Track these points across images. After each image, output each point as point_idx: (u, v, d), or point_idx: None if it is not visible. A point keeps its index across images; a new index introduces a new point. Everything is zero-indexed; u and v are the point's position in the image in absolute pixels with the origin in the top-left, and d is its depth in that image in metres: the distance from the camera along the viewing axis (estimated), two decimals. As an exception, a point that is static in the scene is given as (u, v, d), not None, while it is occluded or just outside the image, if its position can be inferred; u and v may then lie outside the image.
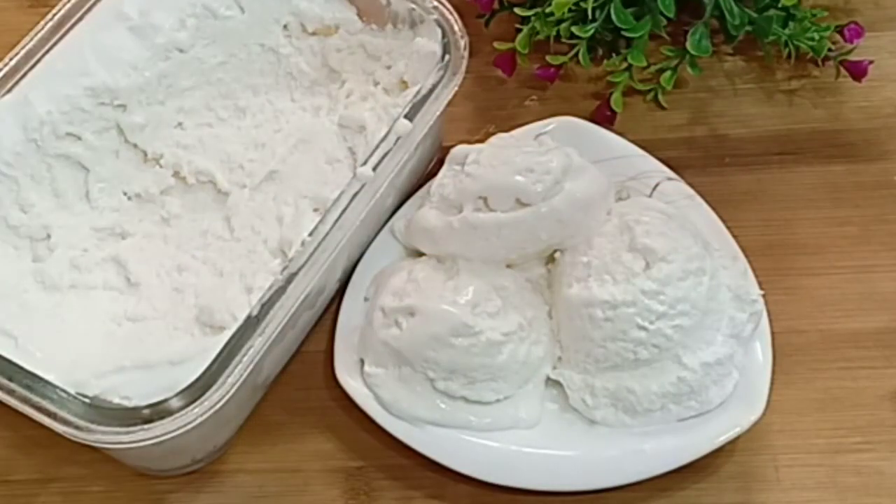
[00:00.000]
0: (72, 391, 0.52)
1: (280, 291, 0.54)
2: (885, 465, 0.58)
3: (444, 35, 0.62)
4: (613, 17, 0.68)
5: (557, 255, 0.60)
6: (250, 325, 0.53)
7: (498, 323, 0.57)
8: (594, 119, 0.69)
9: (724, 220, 0.63)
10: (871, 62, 0.70)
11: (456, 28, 0.62)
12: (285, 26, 0.68)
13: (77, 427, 0.51)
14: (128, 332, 0.59)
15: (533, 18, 0.69)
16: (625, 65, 0.70)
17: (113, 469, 0.59)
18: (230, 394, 0.52)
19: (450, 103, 0.60)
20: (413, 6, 0.64)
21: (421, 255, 0.62)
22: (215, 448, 0.59)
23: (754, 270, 0.60)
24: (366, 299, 0.62)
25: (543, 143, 0.62)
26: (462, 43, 0.62)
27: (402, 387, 0.58)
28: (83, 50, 0.62)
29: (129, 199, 0.65)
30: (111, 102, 0.63)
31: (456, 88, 0.60)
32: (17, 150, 0.60)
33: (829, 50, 0.70)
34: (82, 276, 0.61)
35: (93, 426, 0.51)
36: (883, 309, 0.63)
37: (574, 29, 0.68)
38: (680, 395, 0.56)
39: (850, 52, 0.71)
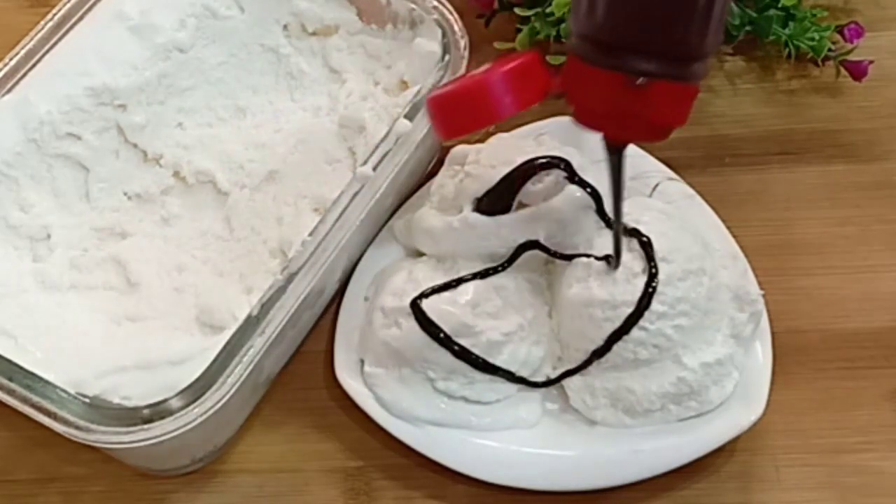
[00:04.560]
0: (72, 391, 0.52)
1: (280, 291, 0.54)
2: (885, 465, 0.58)
3: (444, 35, 0.62)
4: (613, 17, 0.68)
5: (559, 253, 0.60)
6: (250, 325, 0.53)
7: (498, 323, 0.57)
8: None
9: (724, 220, 0.63)
10: (871, 62, 0.70)
11: (456, 28, 0.62)
12: (285, 26, 0.68)
13: (77, 427, 0.51)
14: (128, 332, 0.59)
15: (533, 18, 0.69)
16: (625, 65, 0.70)
17: (113, 469, 0.59)
18: (230, 394, 0.52)
19: (450, 103, 0.60)
20: (413, 6, 0.64)
21: (421, 255, 0.62)
22: (215, 448, 0.59)
23: (754, 270, 0.60)
24: (366, 299, 0.62)
25: (543, 143, 0.62)
26: (462, 43, 0.62)
27: (402, 387, 0.58)
28: (83, 50, 0.62)
29: (129, 199, 0.65)
30: (111, 102, 0.63)
31: (456, 88, 0.60)
32: (17, 150, 0.61)
33: (829, 50, 0.70)
34: (82, 276, 0.61)
35: (93, 426, 0.51)
36: (883, 309, 0.63)
37: (574, 29, 0.68)
38: (680, 396, 0.56)
39: (850, 52, 0.71)
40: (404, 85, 0.66)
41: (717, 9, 0.45)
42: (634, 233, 0.57)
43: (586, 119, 0.48)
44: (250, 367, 0.53)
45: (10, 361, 0.53)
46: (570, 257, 0.58)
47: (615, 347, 0.56)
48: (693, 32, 0.45)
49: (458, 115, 0.49)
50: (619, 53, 0.45)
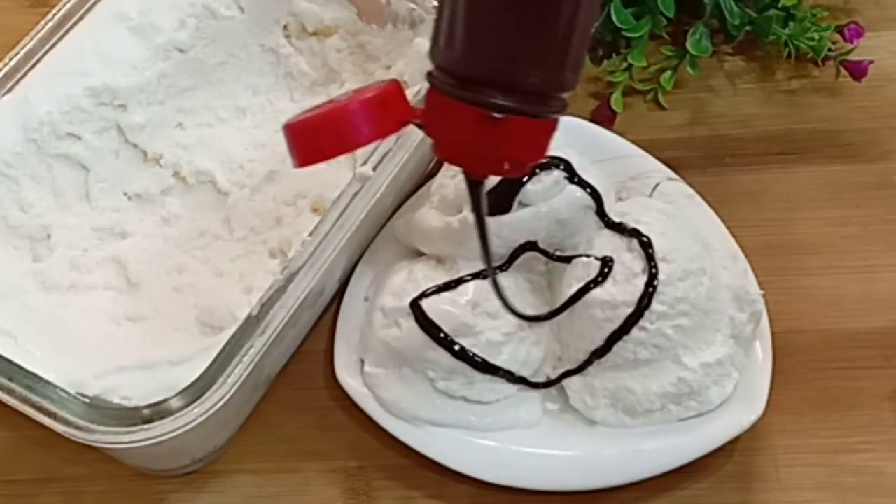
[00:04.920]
0: (72, 391, 0.52)
1: (280, 291, 0.54)
2: (885, 465, 0.58)
3: (444, 35, 0.62)
4: (613, 17, 0.68)
5: (558, 254, 0.60)
6: (250, 325, 0.53)
7: (498, 323, 0.57)
8: (594, 119, 0.69)
9: (724, 220, 0.63)
10: (871, 62, 0.70)
11: (456, 28, 0.62)
12: (285, 26, 0.68)
13: (77, 427, 0.51)
14: (128, 332, 0.59)
15: (532, 18, 0.69)
16: (625, 65, 0.70)
17: (113, 469, 0.59)
18: (230, 394, 0.52)
19: (450, 103, 0.60)
20: (413, 6, 0.64)
21: (421, 255, 0.62)
22: (215, 448, 0.59)
23: (754, 270, 0.60)
24: (366, 299, 0.62)
25: (543, 143, 0.62)
26: (462, 43, 0.62)
27: (402, 387, 0.58)
28: (83, 50, 0.62)
29: (129, 199, 0.65)
30: (111, 102, 0.63)
31: (456, 88, 0.60)
32: (17, 150, 0.61)
33: (829, 50, 0.70)
34: (82, 276, 0.61)
35: (93, 426, 0.51)
36: (883, 309, 0.63)
37: (574, 29, 0.68)
38: (680, 396, 0.56)
39: (850, 52, 0.71)
40: (404, 85, 0.65)
41: (573, 49, 0.45)
42: (634, 233, 0.57)
43: (444, 152, 0.48)
44: (250, 367, 0.53)
45: (10, 361, 0.53)
46: (567, 259, 0.58)
47: (615, 347, 0.56)
48: (549, 70, 0.45)
49: (316, 142, 0.49)
50: (476, 87, 0.45)
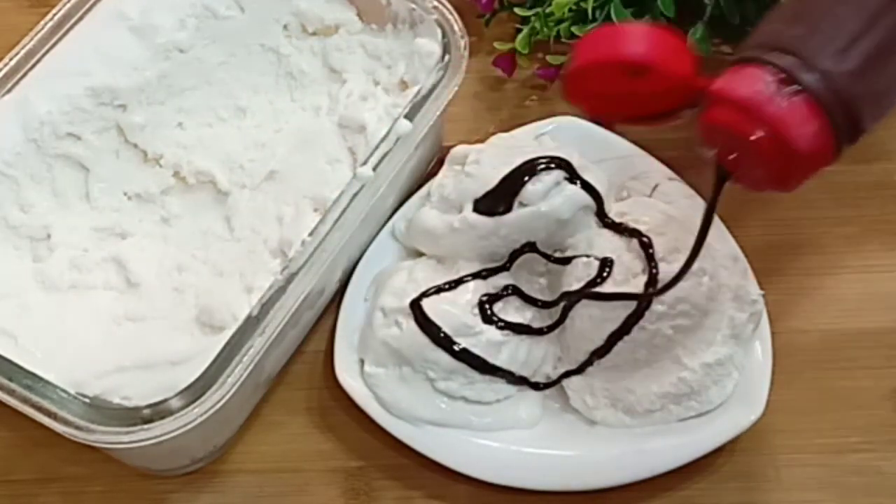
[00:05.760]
0: (72, 391, 0.52)
1: (280, 291, 0.54)
2: (885, 465, 0.58)
3: (444, 35, 0.62)
4: (613, 16, 0.68)
5: (557, 255, 0.60)
6: (250, 325, 0.53)
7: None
8: (594, 119, 0.69)
9: (724, 220, 0.63)
10: (871, 62, 0.70)
11: (456, 28, 0.62)
12: (285, 26, 0.68)
13: (77, 427, 0.51)
14: (128, 332, 0.59)
15: (533, 18, 0.69)
16: (625, 65, 0.70)
17: (113, 469, 0.59)
18: (230, 394, 0.52)
19: (450, 103, 0.60)
20: (413, 6, 0.64)
21: (421, 255, 0.62)
22: (215, 448, 0.59)
23: (754, 270, 0.60)
24: (366, 300, 0.62)
25: (544, 143, 0.62)
26: (462, 43, 0.62)
27: (402, 387, 0.58)
28: (83, 50, 0.62)
29: (129, 199, 0.65)
30: (111, 102, 0.63)
31: (456, 88, 0.60)
32: (17, 150, 0.61)
33: (830, 50, 0.70)
34: (82, 276, 0.61)
35: (93, 426, 0.51)
36: (883, 309, 0.63)
37: (574, 29, 0.69)
38: (680, 396, 0.56)
39: (850, 52, 0.70)
40: (404, 85, 0.66)
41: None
42: (634, 233, 0.57)
43: (713, 116, 0.49)
44: (250, 367, 0.53)
45: (10, 361, 0.53)
46: (567, 260, 0.58)
47: (615, 347, 0.56)
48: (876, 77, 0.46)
49: (593, 46, 0.51)
50: (788, 58, 0.46)
